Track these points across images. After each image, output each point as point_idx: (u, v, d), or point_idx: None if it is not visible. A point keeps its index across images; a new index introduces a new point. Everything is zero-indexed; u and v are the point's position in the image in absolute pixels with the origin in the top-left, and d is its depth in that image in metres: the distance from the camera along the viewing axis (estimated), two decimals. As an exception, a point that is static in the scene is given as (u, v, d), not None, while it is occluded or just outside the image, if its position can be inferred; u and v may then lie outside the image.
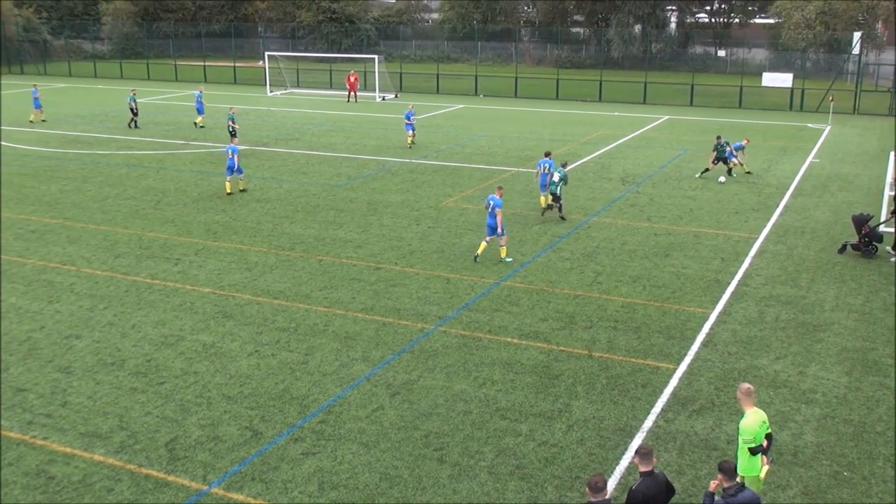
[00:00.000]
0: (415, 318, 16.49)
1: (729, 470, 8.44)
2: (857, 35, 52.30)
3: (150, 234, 22.30)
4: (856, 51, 51.86)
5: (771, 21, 73.20)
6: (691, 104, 51.20)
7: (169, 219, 23.77)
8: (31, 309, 17.03)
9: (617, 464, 11.49)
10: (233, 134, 33.62)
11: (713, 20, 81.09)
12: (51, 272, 19.25)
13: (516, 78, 56.74)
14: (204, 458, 11.54)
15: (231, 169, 26.16)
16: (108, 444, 11.89)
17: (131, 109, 40.29)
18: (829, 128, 42.00)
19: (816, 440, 12.08)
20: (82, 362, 14.58)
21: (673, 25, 79.40)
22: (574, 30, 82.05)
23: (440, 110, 48.19)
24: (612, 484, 10.92)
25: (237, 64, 65.83)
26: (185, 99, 52.59)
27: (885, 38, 63.95)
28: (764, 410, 10.15)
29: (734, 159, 29.23)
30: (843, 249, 20.82)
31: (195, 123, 40.62)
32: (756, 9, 77.26)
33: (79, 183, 28.29)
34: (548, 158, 24.32)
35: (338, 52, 73.01)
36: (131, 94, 40.86)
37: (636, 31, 72.30)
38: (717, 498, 8.58)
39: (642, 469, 8.53)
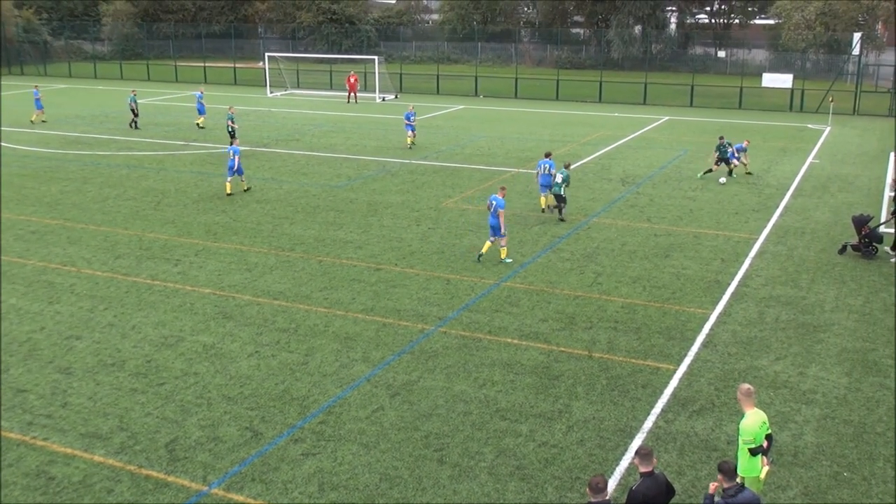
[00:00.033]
0: (415, 318, 16.49)
1: (729, 470, 8.44)
2: (857, 36, 52.32)
3: (150, 234, 22.30)
4: (856, 51, 51.88)
5: (771, 22, 73.23)
6: (691, 105, 51.22)
7: (169, 220, 23.78)
8: (32, 310, 17.04)
9: (617, 464, 11.49)
10: (232, 134, 33.62)
11: (713, 21, 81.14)
12: (51, 273, 19.25)
13: (516, 79, 56.75)
14: (204, 459, 11.54)
15: (232, 169, 26.20)
16: (108, 445, 11.89)
17: (132, 110, 40.31)
18: (829, 128, 42.01)
19: (816, 441, 12.08)
20: (82, 363, 14.58)
21: (673, 26, 79.43)
22: (574, 31, 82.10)
23: (440, 111, 48.20)
24: (612, 485, 10.92)
25: (237, 65, 65.86)
26: (185, 100, 52.62)
27: (885, 39, 63.96)
28: (764, 411, 10.14)
29: (735, 160, 29.23)
30: (843, 250, 20.82)
31: (197, 124, 40.59)
32: (756, 9, 77.31)
33: (79, 184, 28.30)
34: (548, 159, 24.34)
35: (338, 53, 73.05)
36: (132, 95, 40.88)
37: (636, 31, 72.33)
38: (717, 498, 8.58)
39: (642, 470, 8.53)
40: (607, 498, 8.18)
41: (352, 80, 52.83)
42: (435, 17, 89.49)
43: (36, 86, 45.85)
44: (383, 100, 53.76)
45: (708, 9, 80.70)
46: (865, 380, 14.01)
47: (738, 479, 8.75)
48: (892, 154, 34.59)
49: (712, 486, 8.71)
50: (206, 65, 66.51)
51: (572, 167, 25.84)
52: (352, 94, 52.63)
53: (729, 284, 18.53)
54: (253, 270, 19.37)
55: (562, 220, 23.54)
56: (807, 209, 25.35)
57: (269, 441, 12.01)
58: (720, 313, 16.86)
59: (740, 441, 9.58)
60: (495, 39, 79.30)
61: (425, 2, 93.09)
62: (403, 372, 14.18)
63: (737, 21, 79.93)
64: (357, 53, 71.67)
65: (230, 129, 33.96)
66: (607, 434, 12.23)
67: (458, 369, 14.27)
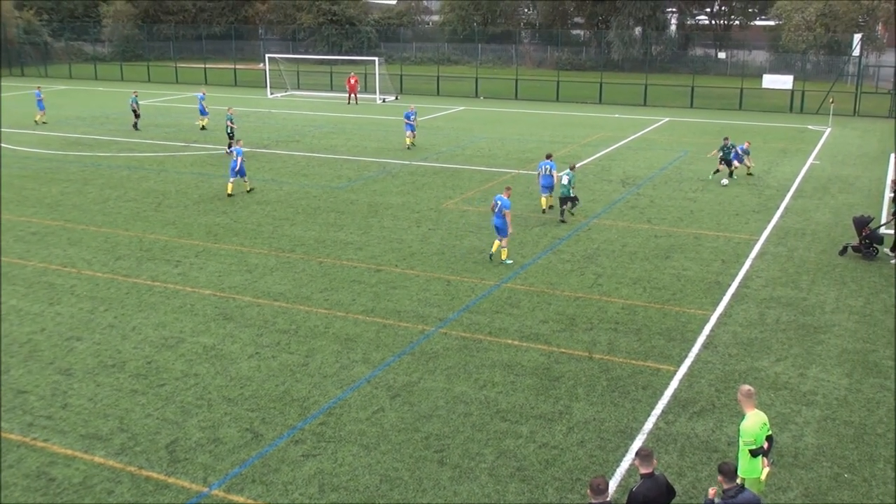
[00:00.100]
0: (415, 319, 16.49)
1: (729, 472, 8.44)
2: (857, 37, 52.36)
3: (150, 236, 22.31)
4: (856, 53, 51.91)
5: (771, 23, 73.27)
6: (691, 106, 51.22)
7: (170, 221, 23.78)
8: (32, 311, 17.04)
9: (617, 466, 11.48)
10: (231, 135, 33.63)
11: (713, 22, 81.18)
12: (51, 274, 19.26)
13: (517, 80, 56.76)
14: (204, 460, 11.54)
15: (234, 170, 26.22)
16: (108, 446, 11.89)
17: (133, 111, 40.32)
18: (829, 130, 42.01)
19: (817, 442, 12.07)
20: (83, 364, 14.58)
21: (673, 27, 79.45)
22: (574, 32, 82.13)
23: (441, 112, 48.22)
24: (612, 486, 10.91)
25: (238, 66, 65.86)
26: (186, 101, 52.64)
27: (885, 40, 63.99)
28: (764, 412, 10.13)
29: (736, 161, 29.21)
30: (843, 251, 20.82)
31: (202, 126, 40.51)
32: (756, 11, 77.35)
33: (80, 185, 28.31)
34: (549, 160, 24.37)
35: (338, 55, 73.09)
36: (133, 97, 40.88)
37: (636, 33, 72.34)
38: (717, 500, 8.58)
39: (643, 471, 8.53)
40: (608, 499, 8.18)
41: (352, 81, 52.83)
42: (435, 18, 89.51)
43: (38, 87, 45.88)
44: (384, 101, 53.77)
45: (708, 10, 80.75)
46: (866, 381, 14.00)
47: (739, 481, 8.75)
48: (893, 155, 34.59)
49: (711, 491, 8.72)
50: (207, 66, 66.53)
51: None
52: (352, 95, 52.64)
53: (729, 285, 18.53)
54: (253, 272, 19.38)
55: (562, 220, 23.56)
56: (807, 210, 25.35)
57: (269, 442, 12.01)
58: (721, 314, 16.86)
59: (741, 442, 9.58)
60: (496, 41, 79.32)
61: (425, 3, 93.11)
62: (404, 373, 14.18)
63: (737, 22, 79.98)
64: (357, 55, 71.71)
65: (229, 130, 33.94)
66: (608, 435, 12.23)
67: (458, 370, 14.27)
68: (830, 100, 44.89)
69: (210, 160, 33.02)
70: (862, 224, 20.61)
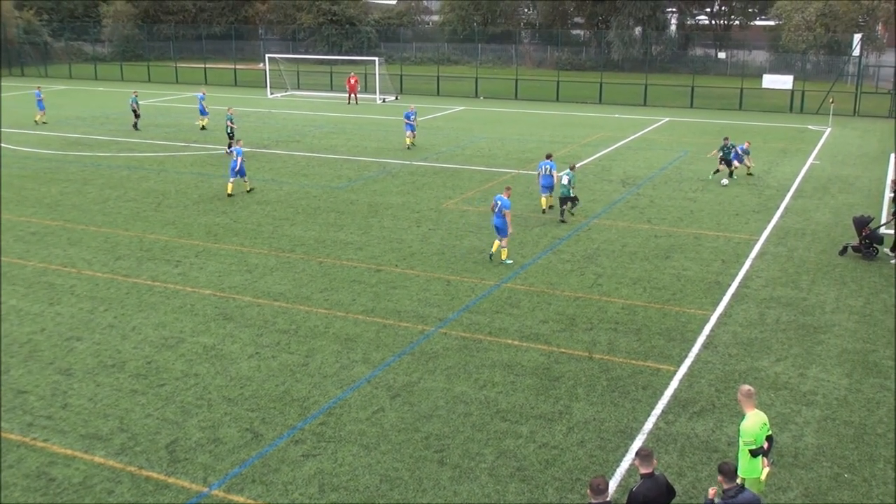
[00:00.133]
0: (415, 320, 16.49)
1: (729, 472, 8.44)
2: (857, 37, 52.36)
3: (150, 236, 22.31)
4: (856, 53, 51.91)
5: (771, 23, 73.28)
6: (691, 106, 51.22)
7: (170, 221, 23.78)
8: (32, 311, 17.04)
9: (617, 466, 11.48)
10: (230, 135, 33.63)
11: (713, 22, 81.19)
12: (51, 274, 19.25)
13: (517, 80, 56.76)
14: (204, 460, 11.54)
15: (234, 170, 26.22)
16: (108, 446, 11.89)
17: (133, 111, 40.31)
18: (829, 130, 42.02)
19: (817, 442, 12.07)
20: (83, 364, 14.58)
21: (673, 27, 79.47)
22: (574, 32, 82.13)
23: (441, 112, 48.22)
24: (612, 486, 10.91)
25: (238, 66, 65.86)
26: (186, 101, 52.64)
27: (885, 40, 63.99)
28: (765, 412, 10.13)
29: (736, 161, 29.21)
30: (843, 251, 20.82)
31: (202, 126, 40.50)
32: (756, 11, 77.36)
33: (79, 185, 28.31)
34: (549, 160, 24.38)
35: (338, 55, 73.08)
36: (133, 97, 40.88)
37: (636, 33, 72.34)
38: (717, 500, 8.58)
39: (643, 471, 8.53)
40: (608, 499, 8.18)
41: (352, 81, 52.82)
42: (435, 18, 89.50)
43: (39, 87, 45.88)
44: (384, 101, 53.77)
45: (708, 10, 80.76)
46: (866, 381, 14.00)
47: (739, 481, 8.74)
48: (893, 155, 34.59)
49: (711, 491, 8.72)
50: (207, 66, 66.53)
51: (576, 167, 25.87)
52: (352, 95, 52.64)
53: (729, 286, 18.54)
54: (253, 272, 19.38)
55: (562, 221, 23.56)
56: (807, 210, 25.35)
57: (269, 442, 12.01)
58: (721, 314, 16.86)
59: (741, 442, 9.58)
60: (495, 41, 79.32)
61: (425, 3, 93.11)
62: (404, 373, 14.18)
63: (737, 22, 80.00)
64: (357, 55, 71.71)
65: (229, 131, 33.93)
66: (608, 435, 12.23)
67: (458, 370, 14.27)
68: (830, 100, 44.89)
69: (210, 160, 33.02)
70: (862, 224, 20.61)
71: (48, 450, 11.84)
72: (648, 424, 12.54)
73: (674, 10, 78.54)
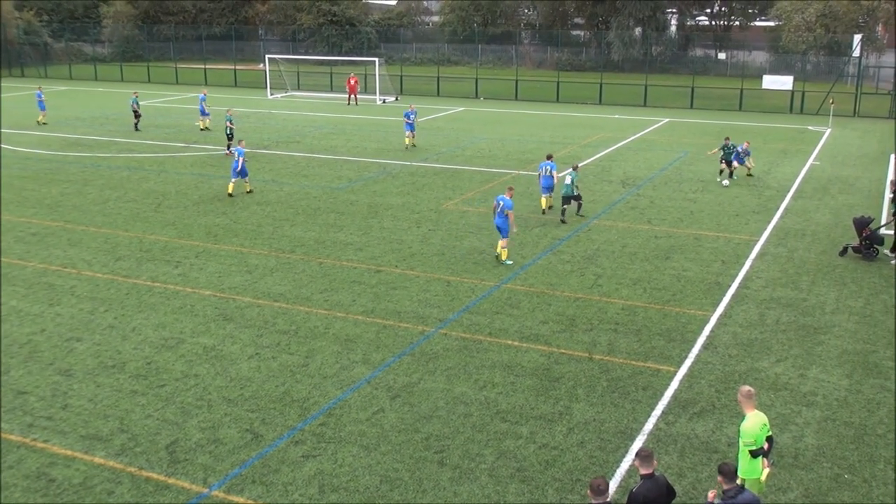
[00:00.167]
0: (415, 320, 16.49)
1: (729, 472, 8.43)
2: (857, 38, 52.34)
3: (150, 236, 22.31)
4: (856, 53, 51.92)
5: (771, 24, 73.32)
6: (691, 107, 51.24)
7: (169, 221, 23.78)
8: (32, 312, 17.04)
9: (618, 466, 11.48)
10: (230, 136, 33.64)
11: (713, 23, 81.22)
12: (51, 275, 19.26)
13: (517, 80, 56.78)
14: (204, 461, 11.54)
15: (235, 171, 26.23)
16: (108, 447, 11.89)
17: (134, 112, 40.31)
18: (829, 130, 42.02)
19: (817, 443, 12.07)
20: (83, 365, 14.58)
21: (673, 28, 79.52)
22: (574, 32, 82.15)
23: (441, 113, 48.23)
24: (613, 486, 10.91)
25: (238, 67, 65.89)
26: (186, 102, 52.66)
27: (885, 41, 64.00)
28: (765, 413, 10.13)
29: (736, 161, 29.20)
30: (843, 252, 20.82)
31: (206, 128, 40.45)
32: (756, 11, 77.39)
33: (79, 186, 28.31)
34: (549, 161, 24.40)
35: (338, 55, 73.10)
36: (134, 97, 40.87)
37: (636, 33, 72.37)
38: (716, 500, 8.58)
39: (643, 472, 8.53)
40: (608, 500, 8.18)
41: (352, 81, 52.83)
42: (435, 18, 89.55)
43: (40, 87, 45.88)
44: (384, 102, 53.78)
45: (708, 11, 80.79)
46: (866, 382, 14.00)
47: (739, 481, 8.75)
48: (893, 156, 34.59)
49: (711, 494, 8.72)
50: (207, 67, 66.54)
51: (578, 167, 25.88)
52: (352, 95, 52.64)
53: (729, 286, 18.54)
54: (253, 272, 19.38)
55: (563, 221, 23.56)
56: (807, 211, 25.35)
57: (269, 443, 12.01)
58: (721, 315, 16.86)
59: (741, 443, 9.58)
60: (496, 41, 79.35)
61: (426, 3, 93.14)
62: (404, 374, 14.18)
63: (737, 23, 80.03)
64: (357, 55, 71.72)
65: (228, 132, 33.94)
66: (608, 436, 12.23)
67: (458, 371, 14.27)
68: (830, 100, 44.91)
69: (210, 161, 33.02)
70: (862, 225, 20.61)
71: (48, 450, 11.83)
72: (648, 425, 12.54)
73: (674, 10, 78.61)
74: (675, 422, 12.64)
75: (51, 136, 38.82)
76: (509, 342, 15.46)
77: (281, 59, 63.06)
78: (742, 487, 8.59)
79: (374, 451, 11.76)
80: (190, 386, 13.76)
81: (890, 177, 30.16)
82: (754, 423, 9.50)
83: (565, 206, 23.67)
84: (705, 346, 15.36)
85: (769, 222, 23.96)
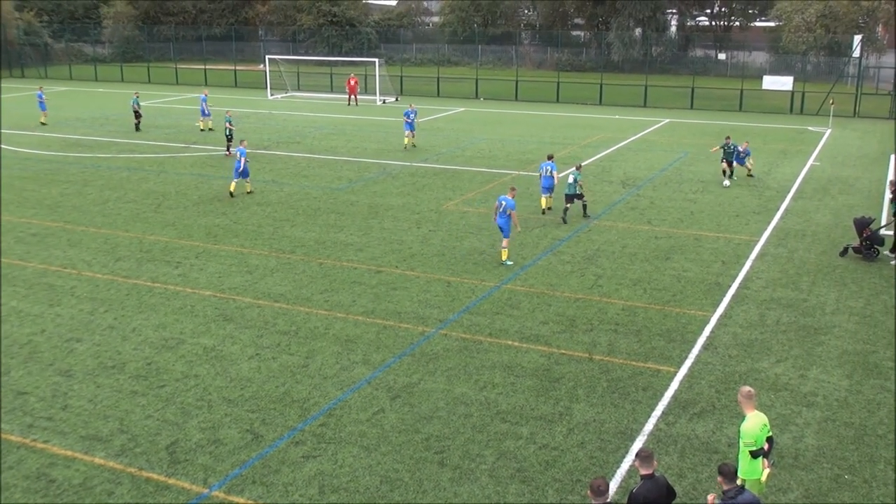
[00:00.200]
0: (415, 321, 16.49)
1: (729, 473, 8.43)
2: (857, 38, 52.35)
3: (150, 237, 22.31)
4: (856, 54, 51.93)
5: (771, 24, 73.31)
6: (692, 107, 51.24)
7: (169, 222, 23.78)
8: (32, 312, 17.04)
9: (618, 467, 11.48)
10: (229, 137, 33.63)
11: (713, 23, 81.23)
12: (51, 276, 19.26)
13: (517, 81, 56.79)
14: (204, 462, 11.54)
15: (238, 171, 26.23)
16: (108, 448, 11.89)
17: (135, 112, 40.30)
18: (829, 131, 42.03)
19: (817, 443, 12.07)
20: (83, 365, 14.58)
21: (673, 29, 79.50)
22: (574, 33, 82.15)
23: (441, 113, 48.23)
24: (613, 487, 10.91)
25: (238, 67, 65.90)
26: (186, 102, 52.66)
27: (885, 42, 64.01)
28: (765, 413, 10.12)
29: (736, 162, 29.20)
30: (844, 252, 20.82)
31: (209, 129, 40.42)
32: (756, 12, 77.40)
33: (79, 186, 28.31)
34: (550, 161, 24.42)
35: (338, 56, 73.09)
36: (134, 98, 40.88)
37: (636, 34, 72.37)
38: (717, 501, 8.58)
39: (643, 472, 8.53)
40: (608, 500, 8.17)
41: (352, 82, 52.83)
42: (435, 19, 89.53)
43: (41, 87, 45.89)
44: (384, 102, 53.79)
45: (708, 11, 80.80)
46: (866, 382, 14.00)
47: (739, 482, 8.74)
48: (893, 156, 34.58)
49: (710, 497, 8.71)
50: (207, 67, 66.55)
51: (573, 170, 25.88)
52: (352, 96, 52.65)
53: (729, 287, 18.53)
54: (253, 273, 19.38)
55: (564, 221, 23.57)
56: (807, 211, 25.36)
57: (269, 443, 12.00)
58: (721, 315, 16.86)
59: (741, 443, 9.57)
60: (496, 42, 79.34)
61: (426, 4, 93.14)
62: (404, 374, 14.18)
63: (737, 23, 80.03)
64: (357, 56, 71.74)
65: (228, 132, 33.94)
66: (608, 436, 12.23)
67: (458, 372, 14.27)
68: (830, 101, 44.91)
69: (210, 161, 33.03)
70: (862, 225, 20.61)
71: (48, 451, 11.83)
72: (649, 426, 12.54)
73: (674, 11, 78.58)
74: (676, 422, 12.64)
75: (51, 136, 38.82)
76: (509, 343, 15.46)
77: (281, 59, 63.07)
78: (742, 488, 8.58)
79: (374, 452, 11.76)
80: (190, 386, 13.76)
81: (890, 177, 30.15)
82: (754, 423, 9.50)
83: (567, 206, 23.68)
84: (705, 347, 15.36)
85: (769, 223, 23.96)
